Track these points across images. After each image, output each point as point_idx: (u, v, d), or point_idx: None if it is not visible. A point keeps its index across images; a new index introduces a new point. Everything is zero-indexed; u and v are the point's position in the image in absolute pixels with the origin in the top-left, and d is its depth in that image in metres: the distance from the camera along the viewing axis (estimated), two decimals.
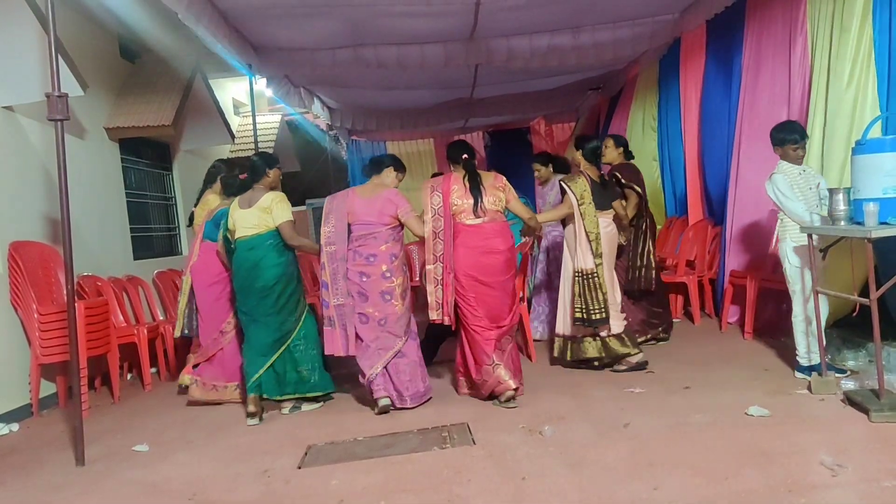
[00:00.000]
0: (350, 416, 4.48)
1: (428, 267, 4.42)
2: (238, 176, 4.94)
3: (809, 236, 3.98)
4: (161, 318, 6.79)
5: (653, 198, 8.34)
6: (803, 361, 4.26)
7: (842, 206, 3.74)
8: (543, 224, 5.09)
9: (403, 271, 4.58)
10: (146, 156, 8.02)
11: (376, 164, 4.73)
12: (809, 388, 3.97)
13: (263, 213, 4.52)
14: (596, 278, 4.85)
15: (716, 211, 6.59)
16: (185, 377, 5.04)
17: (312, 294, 8.32)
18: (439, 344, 5.60)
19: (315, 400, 4.70)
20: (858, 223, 3.61)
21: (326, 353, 4.52)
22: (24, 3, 4.99)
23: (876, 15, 4.45)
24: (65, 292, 4.12)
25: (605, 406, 4.10)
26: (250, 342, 4.59)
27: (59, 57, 3.96)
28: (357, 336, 4.48)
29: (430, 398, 4.56)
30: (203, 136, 8.91)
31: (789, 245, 4.21)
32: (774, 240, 4.45)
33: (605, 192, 5.11)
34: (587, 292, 4.86)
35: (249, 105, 8.94)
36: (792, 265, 4.22)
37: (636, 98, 8.68)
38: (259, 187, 4.65)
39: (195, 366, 5.04)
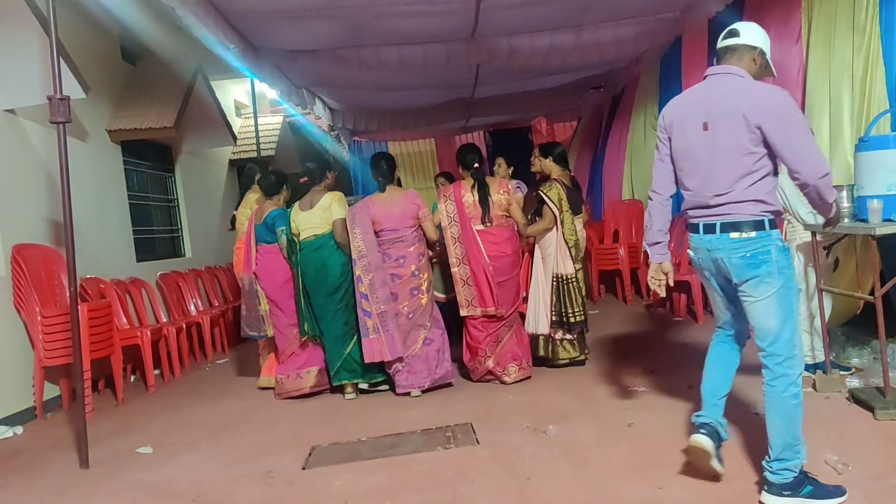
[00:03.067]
0: (354, 416, 4.48)
1: (453, 270, 4.80)
2: (272, 177, 5.26)
3: (813, 234, 3.97)
4: (164, 319, 6.80)
5: None
6: (808, 359, 4.24)
7: (845, 204, 3.73)
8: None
9: (428, 266, 4.90)
10: (148, 158, 8.03)
11: (389, 173, 4.89)
12: (814, 387, 3.95)
13: (325, 212, 4.78)
14: (575, 282, 5.02)
15: None
16: (266, 379, 5.37)
17: None
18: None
19: (387, 382, 4.93)
20: (862, 220, 3.59)
21: (367, 361, 4.70)
22: (26, 5, 4.99)
23: (882, 10, 4.43)
24: (68, 295, 4.13)
25: (609, 405, 4.09)
26: (327, 335, 4.86)
27: (61, 59, 3.97)
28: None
29: (451, 384, 4.86)
30: (205, 138, 8.91)
31: (795, 243, 4.21)
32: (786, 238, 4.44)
33: (577, 195, 5.28)
34: (566, 296, 5.00)
35: (251, 106, 8.97)
36: (798, 263, 4.21)
37: (638, 97, 8.67)
38: (318, 189, 4.90)
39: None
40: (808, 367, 4.23)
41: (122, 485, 3.61)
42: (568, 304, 4.98)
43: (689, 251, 2.94)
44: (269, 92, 9.12)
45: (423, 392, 4.74)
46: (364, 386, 4.92)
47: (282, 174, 5.42)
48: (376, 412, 4.51)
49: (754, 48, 2.76)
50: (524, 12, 6.12)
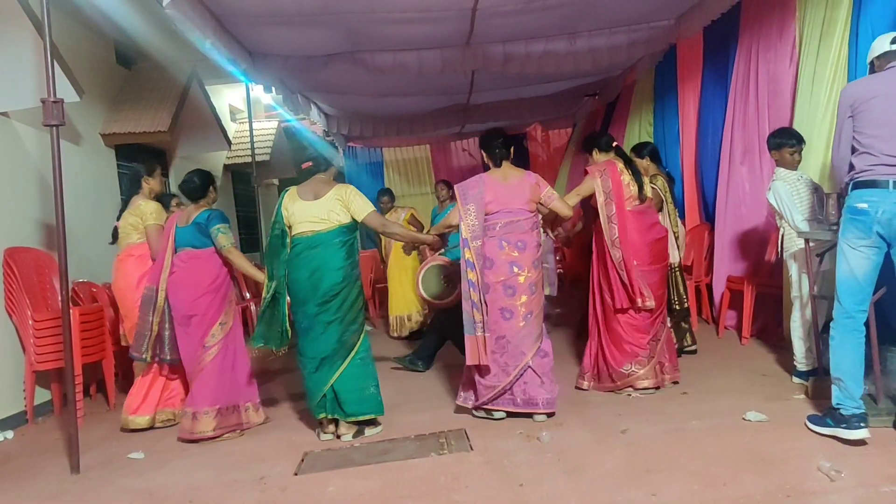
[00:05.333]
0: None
1: (615, 252, 4.34)
2: (195, 179, 4.62)
3: (806, 242, 3.99)
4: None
5: None
6: (801, 366, 4.26)
7: (833, 211, 3.75)
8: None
9: (542, 262, 4.27)
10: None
11: (504, 147, 4.22)
12: (807, 393, 3.97)
13: (335, 205, 4.03)
14: (679, 271, 5.22)
15: (713, 216, 6.60)
16: (135, 419, 4.59)
17: None
18: (440, 345, 5.60)
19: (375, 423, 4.17)
20: None
21: (469, 363, 4.01)
22: (20, 8, 4.99)
23: (854, 22, 4.46)
24: (60, 298, 4.09)
25: (603, 412, 4.09)
26: (307, 355, 4.03)
27: (55, 62, 3.95)
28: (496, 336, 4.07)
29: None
30: (199, 143, 8.90)
31: (793, 251, 4.23)
32: (779, 247, 4.46)
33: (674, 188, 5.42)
34: (673, 284, 5.16)
35: (246, 111, 8.96)
36: (796, 270, 4.23)
37: (633, 104, 8.70)
38: (322, 178, 4.17)
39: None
40: (801, 374, 4.25)
41: (113, 490, 3.59)
42: (674, 292, 5.15)
43: (857, 205, 3.21)
44: (264, 97, 9.12)
45: (548, 416, 4.05)
46: (348, 435, 4.05)
47: (205, 174, 4.72)
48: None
49: None
50: (519, 19, 6.14)
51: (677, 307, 5.23)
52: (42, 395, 5.29)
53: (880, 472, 2.87)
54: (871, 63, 3.42)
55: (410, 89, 8.55)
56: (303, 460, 3.75)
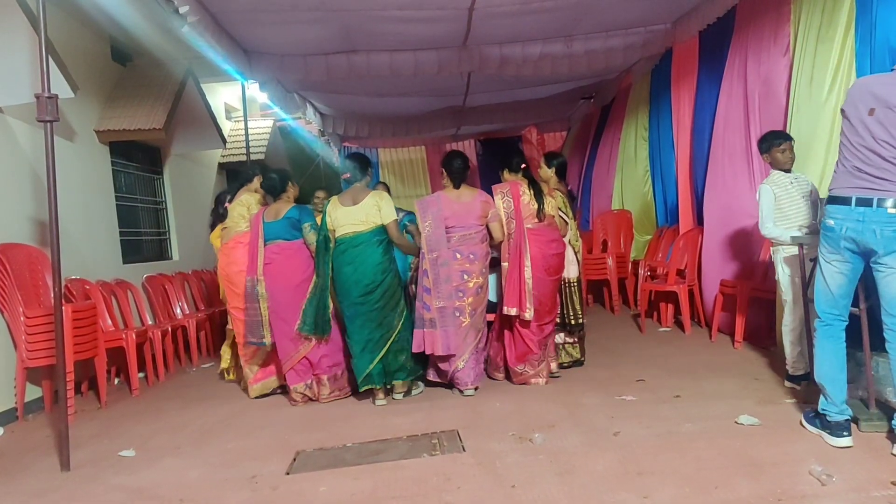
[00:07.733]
0: (339, 422, 4.45)
1: (503, 264, 4.82)
2: (274, 176, 5.09)
3: (800, 246, 4.00)
4: (150, 322, 6.75)
5: (643, 208, 8.39)
6: (793, 371, 4.27)
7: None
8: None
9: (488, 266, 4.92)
10: (136, 159, 7.99)
11: (464, 170, 4.87)
12: (799, 398, 3.97)
13: (372, 209, 4.67)
14: (577, 286, 5.22)
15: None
16: (259, 386, 5.26)
17: None
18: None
19: (417, 384, 4.97)
20: None
21: (414, 350, 4.73)
22: (16, 3, 4.97)
23: (858, 25, 4.48)
24: (52, 295, 4.08)
25: (596, 414, 4.09)
26: (355, 338, 4.69)
27: (50, 58, 3.94)
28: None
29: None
30: (194, 141, 8.88)
31: (781, 255, 4.23)
32: (772, 250, 4.48)
33: (573, 205, 5.52)
34: (569, 300, 5.19)
35: (241, 110, 8.94)
36: (784, 274, 4.24)
37: (629, 108, 8.72)
38: (359, 186, 4.82)
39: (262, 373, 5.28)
40: (793, 379, 4.26)
41: (104, 488, 3.57)
42: (569, 308, 5.17)
43: (827, 221, 3.18)
44: (259, 96, 9.11)
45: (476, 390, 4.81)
46: (399, 395, 4.81)
47: (284, 172, 5.22)
48: (362, 418, 4.49)
49: None
50: (516, 21, 6.15)
51: (573, 322, 5.19)
52: (33, 392, 5.27)
53: (872, 477, 2.88)
54: None
55: (406, 90, 8.56)
56: (295, 460, 3.74)
